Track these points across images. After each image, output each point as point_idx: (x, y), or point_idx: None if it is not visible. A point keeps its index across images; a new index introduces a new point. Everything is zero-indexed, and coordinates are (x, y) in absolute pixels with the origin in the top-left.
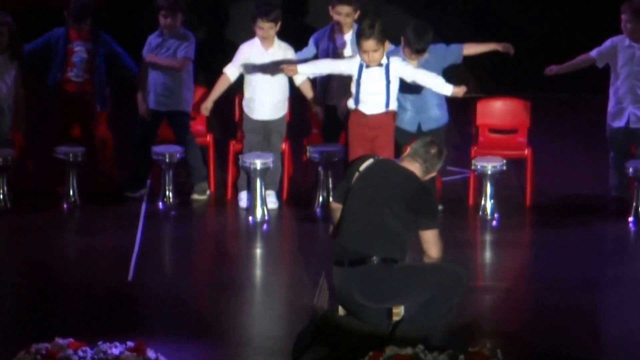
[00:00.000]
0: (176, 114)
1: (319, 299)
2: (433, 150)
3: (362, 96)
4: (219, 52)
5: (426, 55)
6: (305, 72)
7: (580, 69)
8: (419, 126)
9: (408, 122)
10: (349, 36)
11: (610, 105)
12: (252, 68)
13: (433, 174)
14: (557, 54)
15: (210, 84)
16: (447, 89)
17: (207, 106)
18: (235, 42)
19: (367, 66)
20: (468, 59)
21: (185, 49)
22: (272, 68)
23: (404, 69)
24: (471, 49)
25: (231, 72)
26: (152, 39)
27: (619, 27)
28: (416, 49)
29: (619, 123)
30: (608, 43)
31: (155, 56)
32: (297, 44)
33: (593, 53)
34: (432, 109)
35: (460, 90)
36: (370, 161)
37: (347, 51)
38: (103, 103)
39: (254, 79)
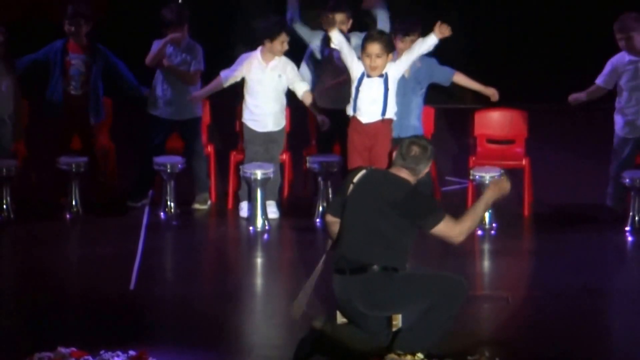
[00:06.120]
0: (189, 122)
1: (299, 300)
2: (413, 151)
3: (359, 104)
4: (217, 63)
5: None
6: (337, 39)
7: (598, 97)
8: (399, 133)
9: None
10: None
11: (620, 117)
12: (252, 80)
13: (425, 172)
14: (555, 64)
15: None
16: (432, 38)
17: (196, 95)
18: (233, 54)
19: (369, 76)
20: (466, 70)
21: (197, 64)
22: (271, 81)
23: (398, 65)
24: (461, 79)
25: (225, 76)
26: (166, 50)
27: (614, 38)
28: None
29: (631, 134)
30: (608, 67)
31: (171, 64)
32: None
33: (599, 82)
34: (413, 119)
35: (440, 29)
36: (363, 172)
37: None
38: (96, 115)
39: (253, 91)
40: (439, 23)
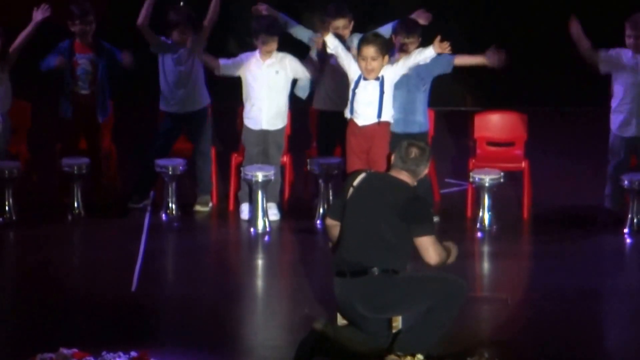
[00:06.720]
0: (196, 115)
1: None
2: (412, 153)
3: (355, 106)
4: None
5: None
6: (332, 44)
7: (581, 53)
8: (405, 129)
9: (396, 124)
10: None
11: (616, 116)
12: (248, 77)
13: (425, 172)
14: (555, 67)
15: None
16: (430, 51)
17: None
18: (234, 53)
19: (365, 79)
20: (466, 73)
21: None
22: (266, 77)
23: (395, 69)
24: (461, 59)
25: (224, 63)
26: (171, 54)
27: (616, 41)
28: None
29: (627, 133)
30: (614, 51)
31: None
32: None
33: (601, 53)
34: (419, 115)
35: (440, 45)
36: (363, 175)
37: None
38: (103, 113)
39: (252, 89)
40: (439, 38)
